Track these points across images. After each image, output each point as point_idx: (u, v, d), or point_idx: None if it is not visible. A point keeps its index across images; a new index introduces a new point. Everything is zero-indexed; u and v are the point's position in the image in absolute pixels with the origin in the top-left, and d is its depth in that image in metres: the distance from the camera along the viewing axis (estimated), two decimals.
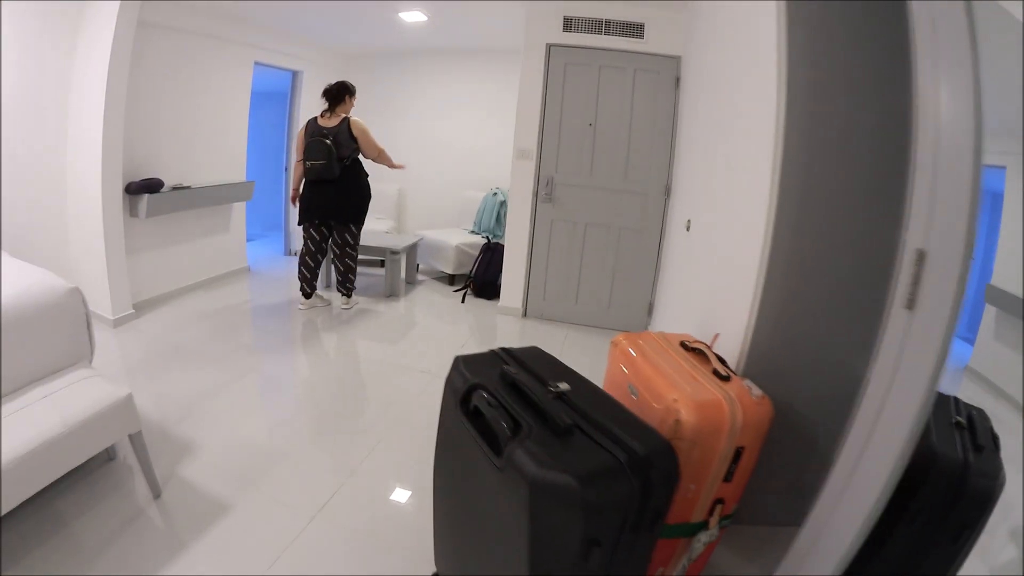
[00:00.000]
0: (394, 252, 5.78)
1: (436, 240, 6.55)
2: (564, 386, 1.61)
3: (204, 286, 5.90)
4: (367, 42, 7.46)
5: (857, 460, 1.68)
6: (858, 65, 2.17)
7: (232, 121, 6.08)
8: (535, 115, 5.07)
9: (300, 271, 5.17)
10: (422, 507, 2.62)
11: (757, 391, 1.99)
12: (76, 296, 2.61)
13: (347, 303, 5.39)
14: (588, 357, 4.53)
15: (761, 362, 2.31)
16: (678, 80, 4.75)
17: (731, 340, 2.42)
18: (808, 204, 2.22)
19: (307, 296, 5.24)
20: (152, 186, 4.87)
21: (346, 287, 5.33)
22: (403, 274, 6.04)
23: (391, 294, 5.89)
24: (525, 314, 5.47)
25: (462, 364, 1.78)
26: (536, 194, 5.17)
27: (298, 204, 5.03)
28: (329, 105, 4.88)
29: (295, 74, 7.42)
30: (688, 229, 3.67)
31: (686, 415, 1.82)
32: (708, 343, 2.29)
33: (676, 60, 4.75)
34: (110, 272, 4.54)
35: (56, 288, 2.54)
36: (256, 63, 6.41)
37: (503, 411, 1.49)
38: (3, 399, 2.25)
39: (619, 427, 1.47)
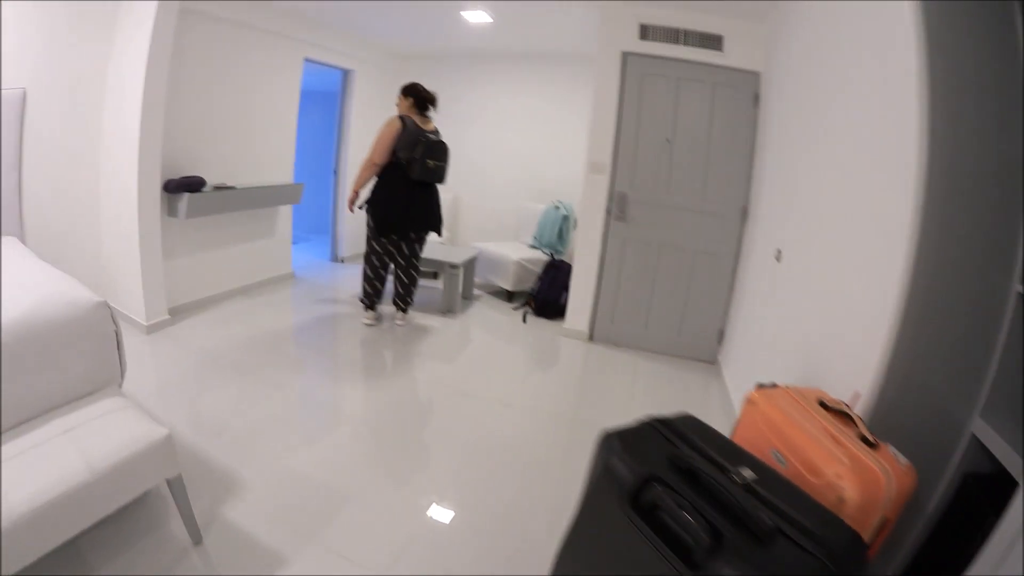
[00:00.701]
0: (453, 266, 5.59)
1: (495, 254, 6.38)
2: (749, 474, 1.47)
3: (246, 291, 5.79)
4: (424, 43, 7.31)
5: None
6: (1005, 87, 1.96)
7: (280, 119, 5.95)
8: (610, 127, 4.89)
9: (372, 284, 5.04)
10: (520, 562, 2.37)
11: (903, 459, 1.84)
12: (103, 311, 2.32)
13: (403, 318, 5.26)
14: (665, 390, 4.36)
15: (887, 423, 2.12)
16: (757, 97, 4.60)
17: (847, 393, 2.26)
18: (947, 249, 2.03)
19: (373, 309, 5.15)
20: (193, 184, 4.72)
21: (407, 301, 5.20)
22: (460, 289, 5.81)
23: (448, 310, 5.68)
24: (591, 337, 5.28)
25: (619, 445, 1.59)
26: (609, 211, 5.00)
27: (381, 211, 4.77)
28: (422, 109, 4.80)
29: (346, 73, 7.29)
30: (779, 260, 3.47)
31: (851, 492, 1.69)
32: (846, 402, 2.13)
33: (755, 76, 4.59)
34: (144, 275, 4.42)
35: (80, 301, 2.25)
36: (306, 59, 6.29)
37: (694, 513, 1.34)
38: (15, 431, 1.99)
39: (811, 520, 1.35)
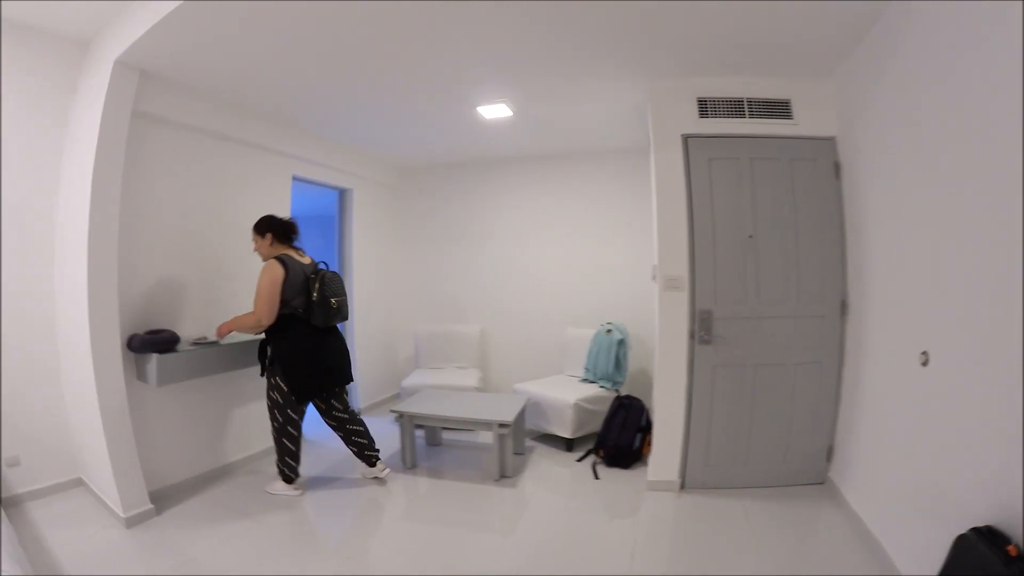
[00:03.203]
0: (503, 425, 4.83)
1: (544, 396, 5.72)
2: None
3: (245, 466, 5.20)
4: (432, 151, 7.02)
5: None
6: None
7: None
8: (681, 230, 4.42)
9: (295, 457, 4.59)
10: None
11: None
12: None
13: (382, 467, 4.84)
14: (787, 535, 3.78)
15: None
16: (838, 166, 4.28)
17: None
18: None
19: (297, 476, 4.67)
20: (163, 342, 4.16)
21: (373, 448, 4.82)
22: (511, 448, 5.09)
23: (502, 475, 4.89)
24: (683, 486, 4.58)
25: None
26: (692, 334, 4.43)
27: (297, 376, 4.34)
28: (288, 240, 4.49)
29: (343, 192, 7.00)
30: (925, 364, 3.01)
31: None
32: None
33: (831, 142, 4.30)
34: (113, 459, 3.91)
35: None
36: (295, 178, 5.97)
37: None
38: None
39: None
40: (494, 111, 5.21)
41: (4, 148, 4.00)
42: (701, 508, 4.26)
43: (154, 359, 4.05)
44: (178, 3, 3.18)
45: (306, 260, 4.46)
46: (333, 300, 4.35)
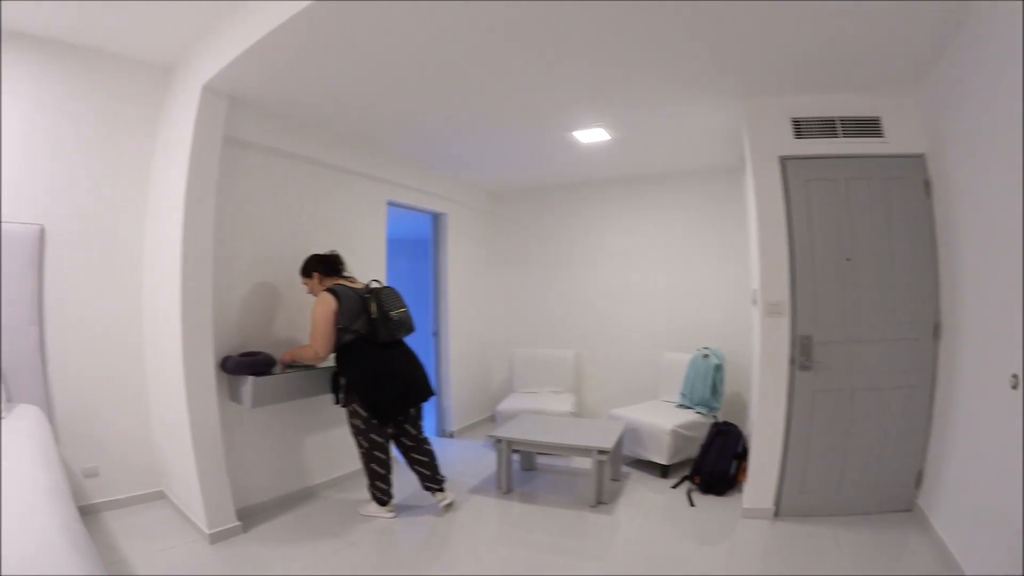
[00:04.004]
0: (603, 452, 4.80)
1: (641, 422, 5.67)
2: None
3: (339, 484, 5.25)
4: (525, 176, 7.16)
5: None
6: None
7: (366, 275, 5.05)
8: (782, 255, 4.36)
9: (386, 480, 4.57)
10: None
11: None
12: None
13: (446, 496, 4.71)
14: (875, 564, 3.68)
15: None
16: (928, 184, 4.20)
17: None
18: None
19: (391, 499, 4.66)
20: (259, 364, 4.24)
21: (439, 478, 4.71)
22: (609, 474, 5.07)
23: (599, 501, 4.81)
24: (777, 513, 4.51)
25: None
26: (793, 360, 4.37)
27: (373, 396, 4.30)
28: (337, 272, 4.53)
29: (437, 217, 7.10)
30: (1015, 387, 2.86)
31: None
32: None
33: (920, 159, 4.22)
34: (202, 476, 3.96)
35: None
36: (390, 203, 6.08)
37: None
38: None
39: None
40: (591, 135, 5.26)
41: (93, 174, 4.25)
42: (793, 536, 4.21)
43: (250, 381, 4.12)
44: (266, 31, 3.25)
45: (358, 285, 4.49)
46: (393, 313, 4.34)
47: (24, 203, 3.96)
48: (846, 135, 4.31)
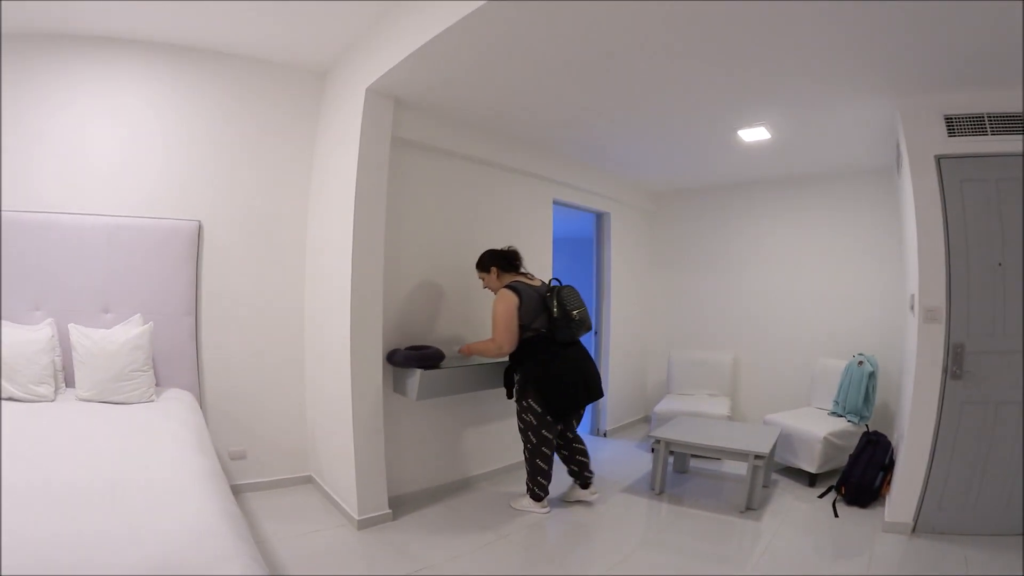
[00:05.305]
0: (760, 457, 4.84)
1: (793, 428, 5.66)
2: None
3: (492, 478, 5.45)
4: (685, 176, 7.22)
5: None
6: None
7: (534, 272, 5.07)
8: (939, 258, 4.25)
9: (547, 476, 4.68)
10: None
11: None
12: None
13: (592, 492, 4.92)
14: None
15: None
16: None
17: None
18: None
19: (539, 500, 4.74)
20: (427, 358, 4.41)
21: (588, 473, 4.91)
22: (762, 480, 5.07)
23: (748, 507, 4.84)
24: (915, 529, 4.40)
25: None
26: (945, 368, 4.26)
27: (553, 393, 4.43)
28: (514, 268, 4.68)
29: (599, 216, 7.26)
30: None
31: None
32: None
33: None
34: (359, 464, 4.15)
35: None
36: (554, 202, 6.28)
37: None
38: None
39: None
40: (754, 134, 5.28)
41: (252, 175, 4.64)
42: (926, 554, 4.10)
43: (417, 374, 4.29)
44: (434, 33, 3.28)
45: (536, 282, 4.66)
46: (575, 312, 4.45)
47: (184, 202, 4.38)
48: (995, 132, 4.16)
